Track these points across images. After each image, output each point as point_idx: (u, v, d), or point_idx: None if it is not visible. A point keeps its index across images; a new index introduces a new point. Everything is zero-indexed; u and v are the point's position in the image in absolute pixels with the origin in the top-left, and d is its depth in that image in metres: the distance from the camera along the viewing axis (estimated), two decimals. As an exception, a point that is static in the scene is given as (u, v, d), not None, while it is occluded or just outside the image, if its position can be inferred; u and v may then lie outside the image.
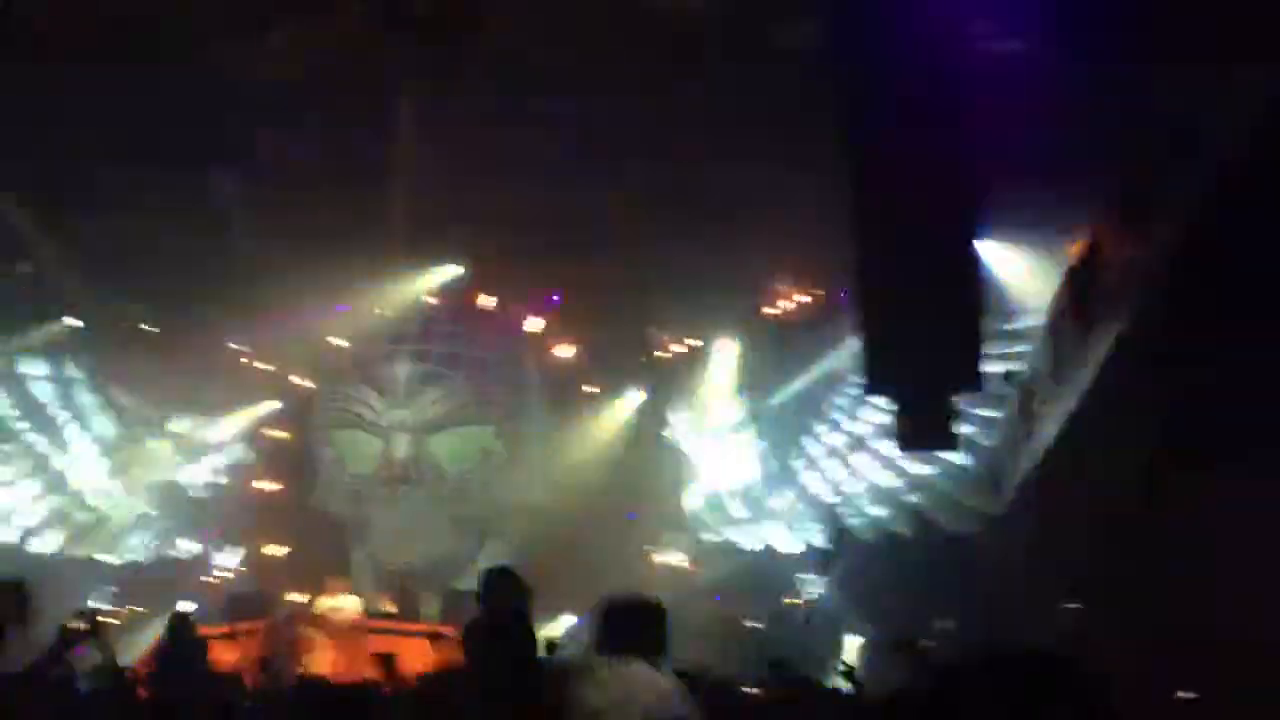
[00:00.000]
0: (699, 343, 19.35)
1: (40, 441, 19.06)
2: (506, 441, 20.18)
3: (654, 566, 18.92)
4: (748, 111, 13.53)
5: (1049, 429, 12.29)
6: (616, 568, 18.03)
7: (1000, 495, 15.61)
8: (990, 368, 11.34)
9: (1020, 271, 14.09)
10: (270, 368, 19.94)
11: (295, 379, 20.19)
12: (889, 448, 15.33)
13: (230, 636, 13.83)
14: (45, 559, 18.12)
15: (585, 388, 19.85)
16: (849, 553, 17.35)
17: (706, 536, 19.34)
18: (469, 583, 18.60)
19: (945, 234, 8.41)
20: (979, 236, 9.28)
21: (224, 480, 20.57)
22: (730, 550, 19.08)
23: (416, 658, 11.99)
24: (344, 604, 15.90)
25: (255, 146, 15.43)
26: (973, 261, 8.99)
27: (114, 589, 17.72)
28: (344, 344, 20.05)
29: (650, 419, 19.84)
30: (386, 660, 9.34)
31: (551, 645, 7.71)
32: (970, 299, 8.72)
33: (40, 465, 19.01)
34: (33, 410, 19.00)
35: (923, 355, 8.70)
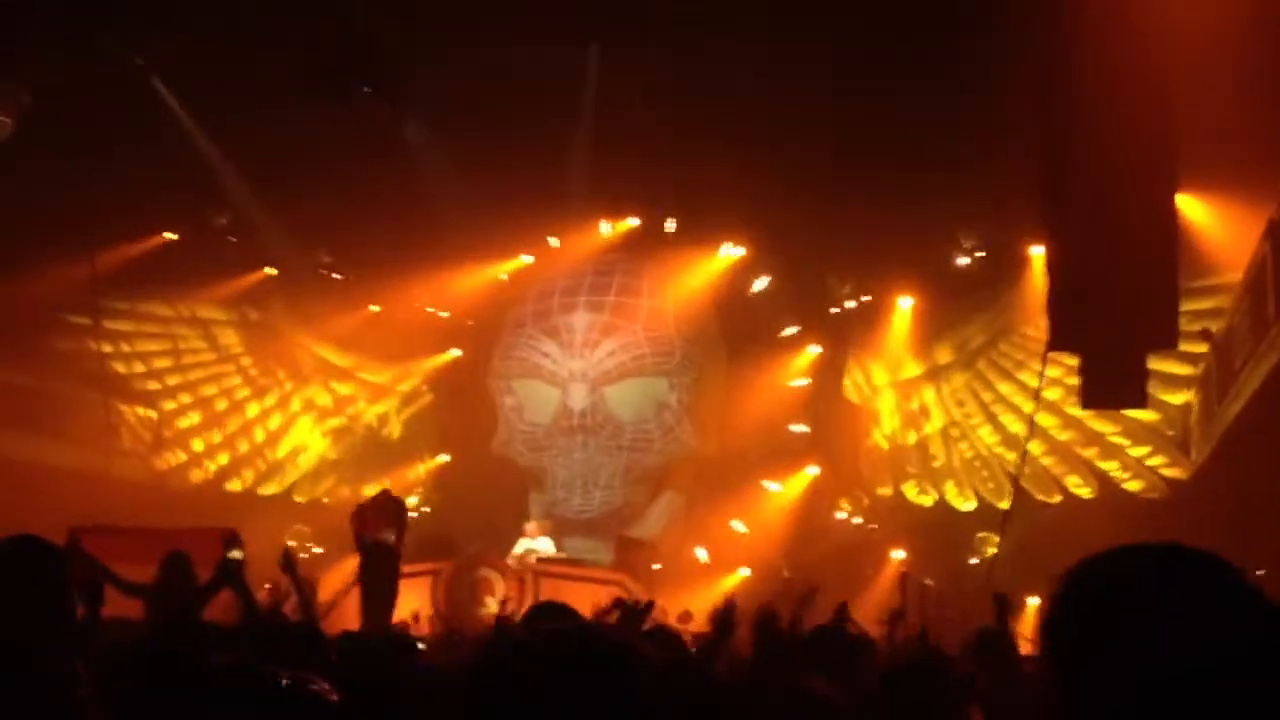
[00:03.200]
0: (879, 296, 19.05)
1: (233, 386, 19.95)
2: (682, 394, 20.26)
3: (833, 523, 18.84)
4: (937, 59, 13.24)
5: (1246, 390, 11.77)
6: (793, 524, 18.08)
7: (1189, 459, 15.06)
8: (1185, 325, 10.91)
9: (1218, 226, 13.50)
10: (451, 315, 20.41)
11: (477, 327, 20.63)
12: (1073, 405, 14.90)
13: (410, 577, 14.22)
14: (237, 498, 18.99)
15: (766, 340, 19.75)
16: (1028, 512, 16.97)
17: (882, 491, 19.14)
18: (641, 531, 18.97)
19: (1139, 185, 8.12)
20: (1176, 189, 8.93)
21: (408, 424, 21.21)
22: (906, 507, 18.86)
23: (590, 604, 12.15)
24: (538, 545, 16.33)
25: (444, 90, 15.73)
26: (1169, 215, 8.66)
27: (305, 528, 18.45)
28: (524, 294, 20.44)
29: (829, 373, 19.65)
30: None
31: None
32: (1165, 253, 8.40)
33: (233, 409, 19.90)
34: (226, 356, 19.90)
35: (1113, 310, 8.43)
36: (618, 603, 5.06)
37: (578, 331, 20.20)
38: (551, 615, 3.85)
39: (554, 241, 19.80)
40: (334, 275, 19.84)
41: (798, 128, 15.00)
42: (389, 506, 13.37)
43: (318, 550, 17.61)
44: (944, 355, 18.97)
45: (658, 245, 19.51)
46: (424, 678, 4.18)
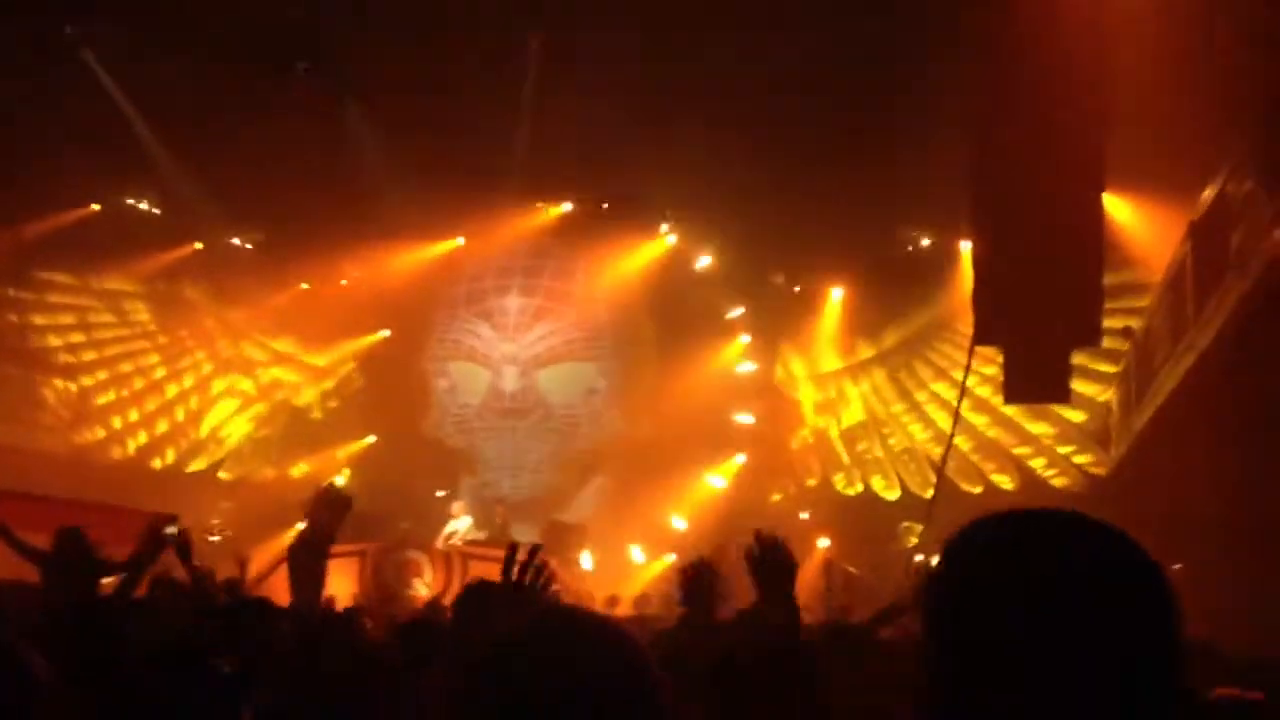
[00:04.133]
0: (813, 286, 19.21)
1: (159, 362, 19.68)
2: (612, 378, 20.32)
3: (762, 510, 18.98)
4: (875, 54, 13.36)
5: (1164, 388, 12.02)
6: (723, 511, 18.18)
7: (1109, 455, 15.35)
8: (1108, 322, 11.12)
9: (1142, 225, 13.75)
10: (382, 295, 20.29)
11: (407, 308, 20.52)
12: (996, 399, 15.15)
13: (337, 557, 14.12)
14: (162, 475, 18.76)
15: (697, 328, 19.82)
16: (951, 503, 17.22)
17: (810, 480, 19.33)
18: (570, 515, 19.01)
19: (1066, 184, 8.26)
20: (1101, 188, 9.09)
21: (335, 404, 21.06)
22: (833, 496, 19.07)
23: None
24: (458, 525, 16.32)
25: (383, 72, 15.61)
26: (1094, 213, 8.82)
27: (228, 505, 18.25)
28: (458, 276, 20.36)
29: (761, 361, 19.79)
30: None
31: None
32: (1090, 251, 8.56)
33: (158, 385, 19.63)
34: (152, 330, 19.62)
35: (1037, 306, 8.59)
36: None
37: (510, 314, 20.19)
38: (481, 596, 3.86)
39: (486, 223, 19.70)
40: (262, 252, 19.62)
41: (737, 117, 15.07)
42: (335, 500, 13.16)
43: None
44: (875, 347, 19.18)
45: (592, 230, 19.50)
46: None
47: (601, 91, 15.02)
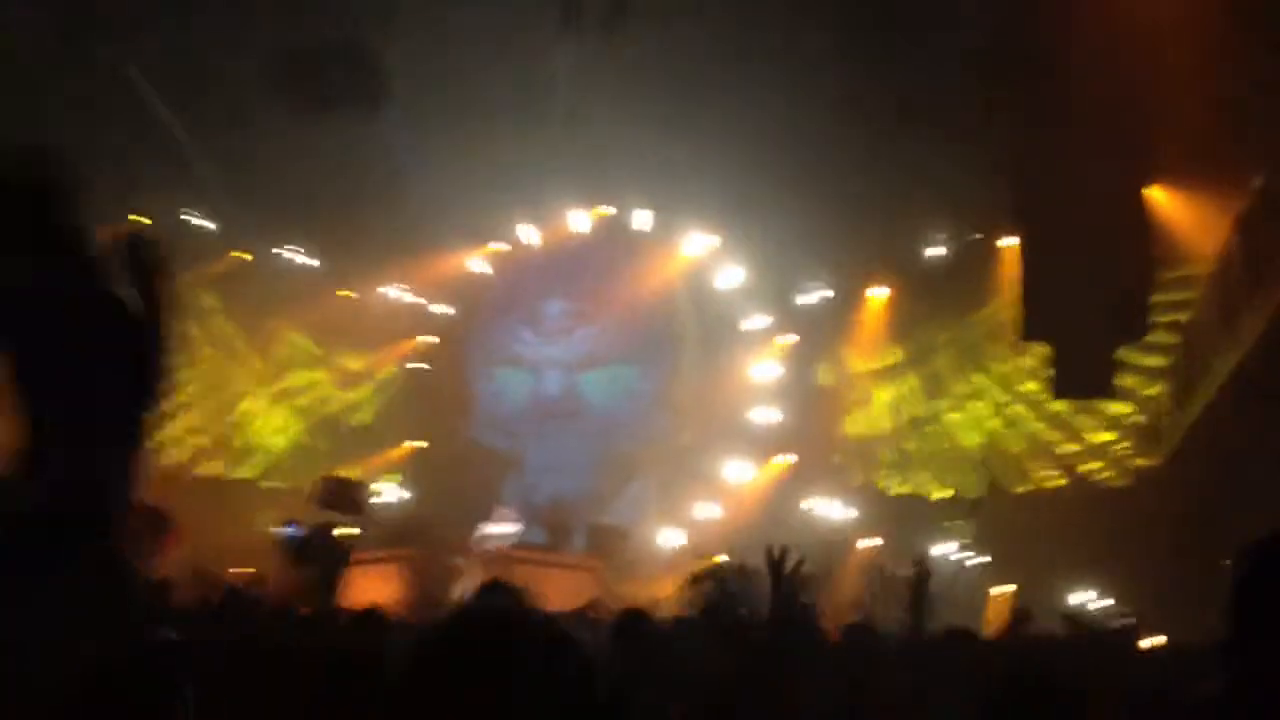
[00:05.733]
0: (852, 286, 19.13)
1: (206, 371, 19.84)
2: (654, 382, 20.33)
3: (806, 511, 18.92)
4: (913, 52, 13.29)
5: (1214, 381, 11.88)
6: (763, 511, 18.13)
7: (1160, 449, 15.18)
8: (1155, 316, 11.00)
9: (1188, 218, 13.60)
10: (427, 302, 20.40)
11: (452, 314, 20.62)
12: (1046, 395, 15.02)
13: (382, 562, 14.20)
14: (207, 482, 18.92)
15: (737, 329, 19.79)
16: (998, 502, 17.10)
17: (854, 481, 19.24)
18: (613, 518, 19.02)
19: (1111, 179, 8.19)
20: (1147, 182, 9.01)
21: (381, 411, 21.16)
22: (878, 496, 18.96)
23: (562, 590, 12.22)
24: (498, 529, 16.35)
25: (419, 85, 15.70)
26: (1140, 207, 8.74)
27: (274, 512, 18.34)
28: (500, 281, 20.44)
29: (801, 362, 19.73)
30: None
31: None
32: (1137, 246, 8.48)
33: (206, 393, 19.79)
34: (201, 341, 19.78)
35: (1084, 302, 8.51)
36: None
37: (552, 319, 20.25)
38: (495, 595, 3.89)
39: (530, 228, 19.78)
40: (309, 261, 19.76)
41: (772, 119, 15.04)
42: (345, 491, 13.11)
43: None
44: (917, 346, 19.06)
45: (632, 234, 19.53)
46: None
47: (641, 97, 15.05)
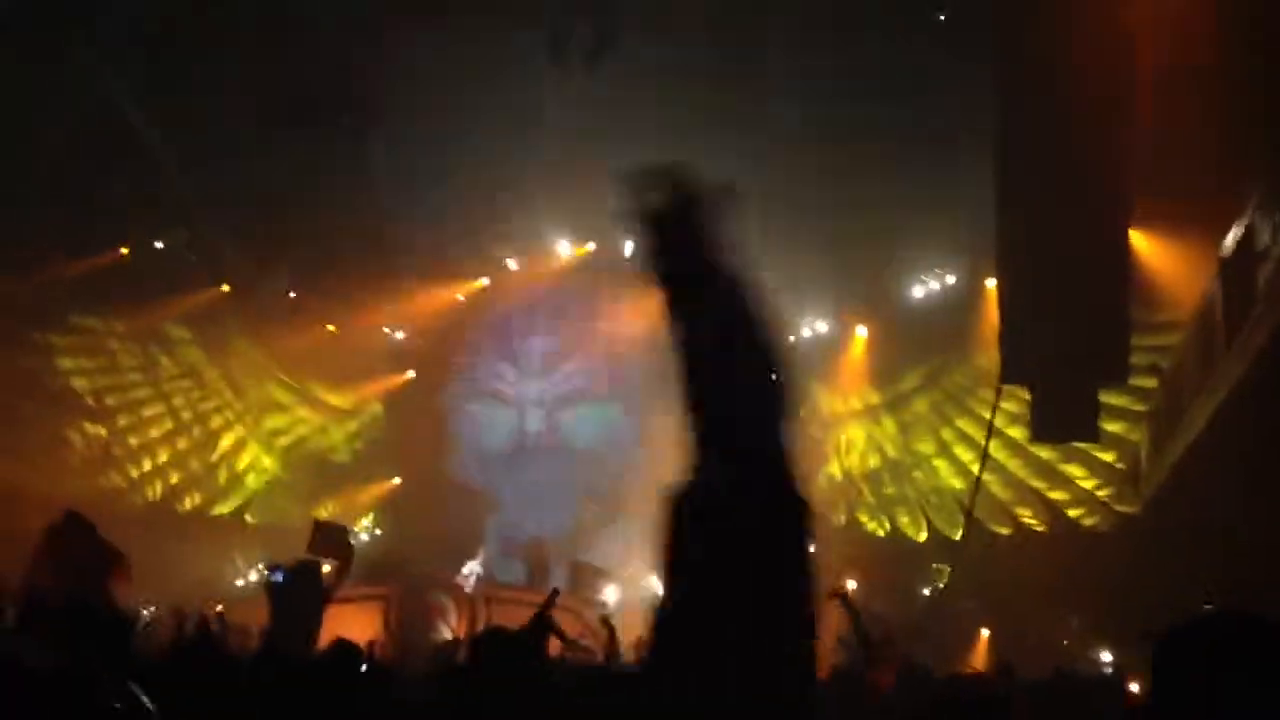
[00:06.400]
0: (836, 325, 19.16)
1: (185, 404, 19.74)
2: (637, 418, 20.28)
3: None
4: (899, 92, 13.40)
5: (1194, 425, 11.89)
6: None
7: (1139, 493, 15.19)
8: (1136, 360, 11.02)
9: (1170, 263, 13.65)
10: (407, 337, 20.36)
11: (432, 350, 20.57)
12: (1024, 437, 15.02)
13: (361, 600, 14.04)
14: (187, 518, 18.79)
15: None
16: (980, 544, 17.07)
17: (836, 519, 19.19)
18: (595, 556, 18.91)
19: (1092, 222, 8.22)
20: (1129, 225, 9.05)
21: (360, 446, 21.08)
22: (861, 536, 18.92)
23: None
24: (471, 567, 16.27)
25: (407, 116, 15.73)
26: (1122, 251, 8.77)
27: (255, 549, 18.26)
28: (481, 317, 20.42)
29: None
30: None
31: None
32: (1118, 289, 8.50)
33: (184, 428, 19.69)
34: (180, 374, 19.70)
35: (1064, 345, 8.52)
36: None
37: (534, 356, 20.21)
38: (498, 643, 3.83)
39: (511, 264, 19.79)
40: (290, 294, 19.71)
41: (758, 154, 15.08)
42: (339, 539, 13.01)
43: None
44: (900, 386, 19.08)
45: (615, 271, 19.53)
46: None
47: (620, 133, 15.08)
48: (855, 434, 19.49)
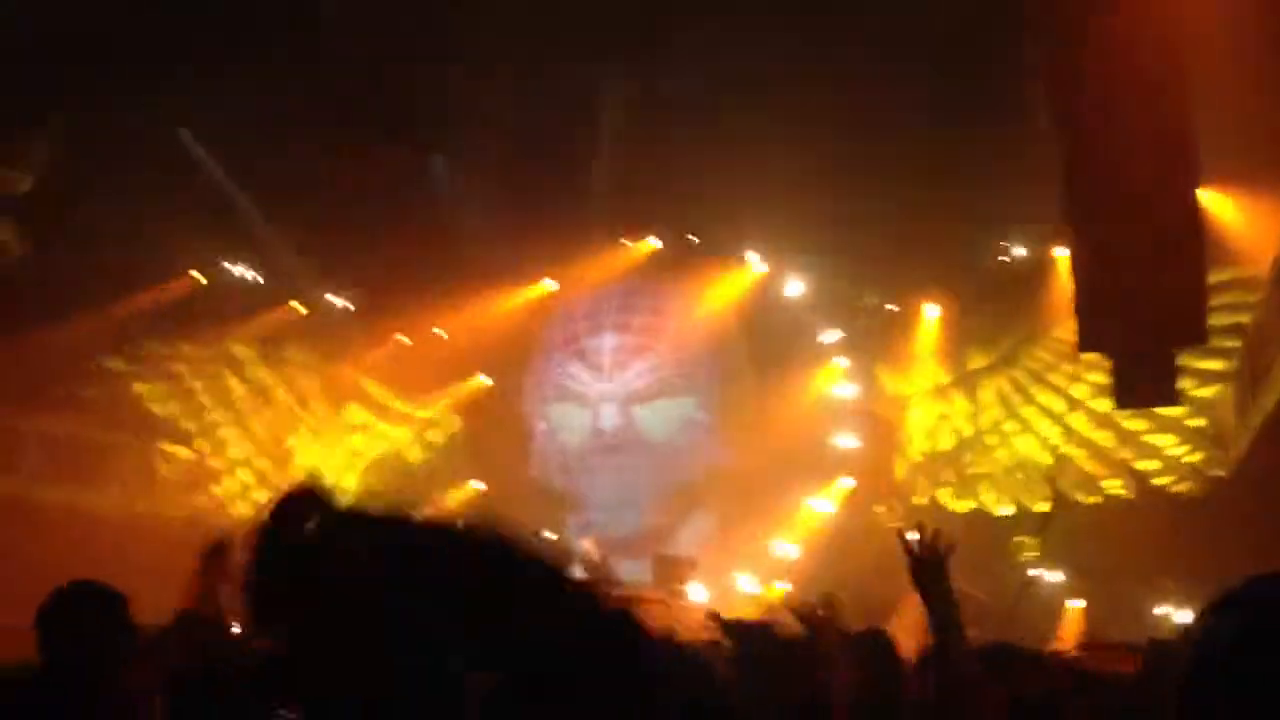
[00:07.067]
0: (907, 303, 19.00)
1: (266, 422, 20.06)
2: (711, 411, 20.28)
3: (869, 532, 18.74)
4: (962, 63, 13.26)
5: (1279, 382, 11.68)
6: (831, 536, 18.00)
7: (1227, 454, 14.94)
8: (1214, 320, 10.83)
9: (1243, 219, 13.41)
10: (478, 344, 20.51)
11: (504, 354, 20.71)
12: (1105, 406, 14.82)
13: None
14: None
15: (793, 354, 19.69)
16: (1067, 516, 16.88)
17: (918, 500, 19.05)
18: (677, 549, 18.94)
19: (1163, 182, 8.09)
20: (1200, 184, 8.90)
21: (439, 454, 21.28)
22: (941, 514, 18.75)
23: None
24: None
25: (467, 122, 15.85)
26: (1193, 210, 8.62)
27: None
28: (551, 318, 20.53)
29: (858, 383, 19.59)
30: None
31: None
32: (1191, 249, 8.36)
33: (267, 445, 20.01)
34: (258, 392, 20.03)
35: (1140, 309, 8.40)
36: None
37: (605, 354, 20.27)
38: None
39: (578, 265, 19.84)
40: (359, 308, 19.95)
41: (821, 138, 15.02)
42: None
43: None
44: (976, 361, 18.88)
45: (681, 264, 19.53)
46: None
47: (682, 122, 15.10)
48: (932, 411, 19.31)
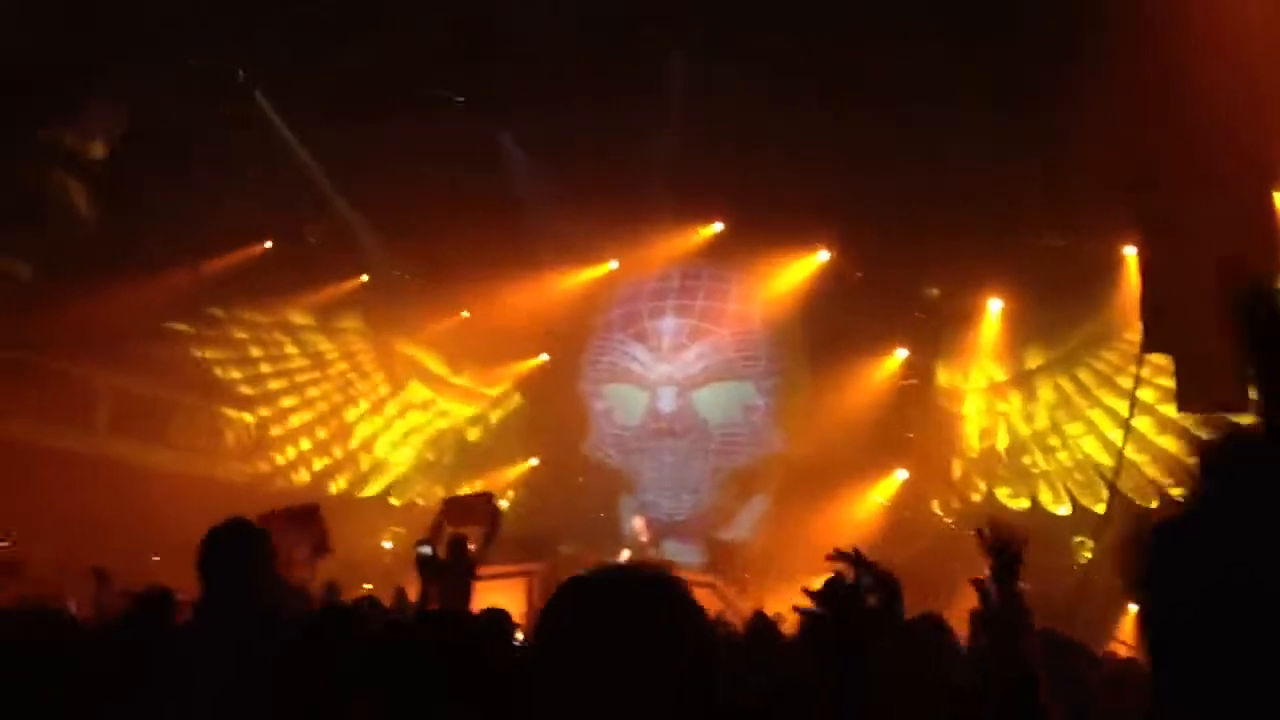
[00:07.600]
0: (969, 298, 18.85)
1: (330, 391, 20.35)
2: (770, 397, 20.28)
3: (925, 525, 18.67)
4: (1028, 59, 13.11)
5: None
6: (881, 524, 17.95)
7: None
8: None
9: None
10: (540, 321, 20.63)
11: (565, 332, 20.82)
12: (1169, 408, 14.64)
13: (508, 576, 14.29)
14: (336, 500, 19.38)
15: (852, 344, 19.63)
16: (1125, 517, 16.69)
17: (974, 495, 18.95)
18: (731, 533, 19.00)
19: (1235, 181, 7.99)
20: (1273, 182, 8.77)
21: (498, 428, 21.47)
22: (999, 511, 18.62)
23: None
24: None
25: (534, 101, 15.90)
26: (1265, 212, 8.51)
27: (401, 530, 18.74)
28: (612, 299, 20.61)
29: (918, 375, 19.50)
30: None
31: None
32: (1261, 251, 8.25)
33: (330, 414, 20.30)
34: (323, 361, 20.31)
35: (1208, 311, 8.30)
36: None
37: (665, 336, 20.33)
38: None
39: (640, 247, 19.88)
40: (425, 281, 20.15)
41: (885, 130, 14.93)
42: (480, 506, 13.34)
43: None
44: (1037, 359, 18.72)
45: (744, 249, 19.51)
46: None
47: (746, 107, 15.06)
48: (992, 407, 19.18)
